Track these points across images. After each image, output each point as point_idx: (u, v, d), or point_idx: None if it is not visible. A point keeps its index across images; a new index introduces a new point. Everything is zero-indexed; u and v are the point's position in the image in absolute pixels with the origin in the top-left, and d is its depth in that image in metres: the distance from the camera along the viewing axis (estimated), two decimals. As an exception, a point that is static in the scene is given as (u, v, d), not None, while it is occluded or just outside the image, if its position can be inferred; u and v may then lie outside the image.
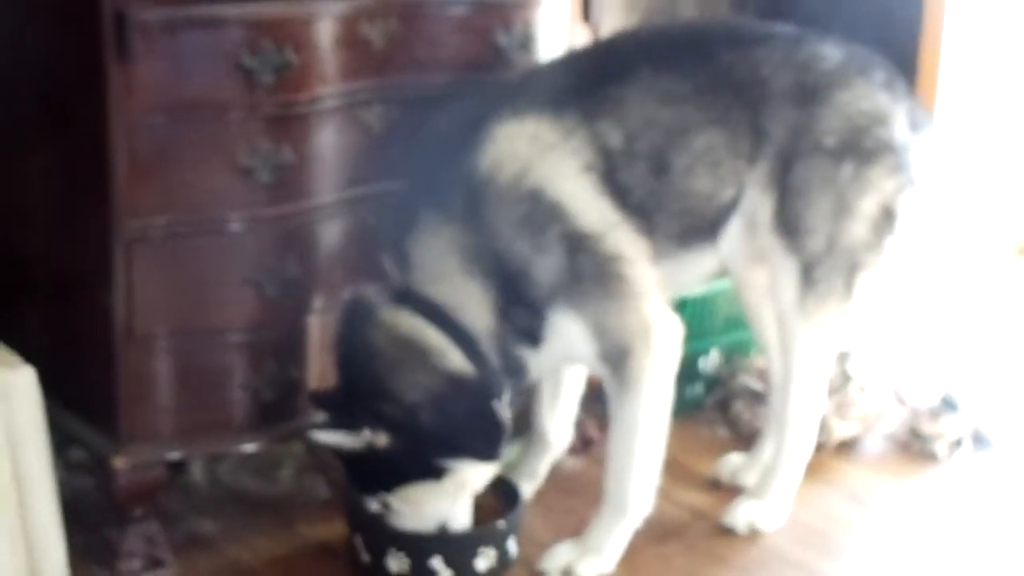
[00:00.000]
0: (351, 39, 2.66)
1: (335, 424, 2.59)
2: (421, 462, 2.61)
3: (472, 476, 2.67)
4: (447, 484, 2.65)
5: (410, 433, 2.57)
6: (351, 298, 2.67)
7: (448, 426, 2.59)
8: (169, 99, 2.51)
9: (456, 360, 2.61)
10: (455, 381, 2.60)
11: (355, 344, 2.63)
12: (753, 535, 2.96)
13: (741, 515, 2.96)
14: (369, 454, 2.57)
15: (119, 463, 2.64)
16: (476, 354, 2.62)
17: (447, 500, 2.68)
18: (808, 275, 2.80)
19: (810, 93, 2.77)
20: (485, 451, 2.64)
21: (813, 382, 2.92)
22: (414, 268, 2.64)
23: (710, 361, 3.53)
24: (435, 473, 2.62)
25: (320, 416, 2.65)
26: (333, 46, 2.63)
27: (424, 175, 2.69)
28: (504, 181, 2.60)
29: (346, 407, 2.60)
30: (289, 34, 2.56)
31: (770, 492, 2.98)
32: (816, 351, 2.88)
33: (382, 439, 2.56)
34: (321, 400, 2.66)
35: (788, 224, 2.79)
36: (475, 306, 2.62)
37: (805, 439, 2.97)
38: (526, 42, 2.88)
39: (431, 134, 2.72)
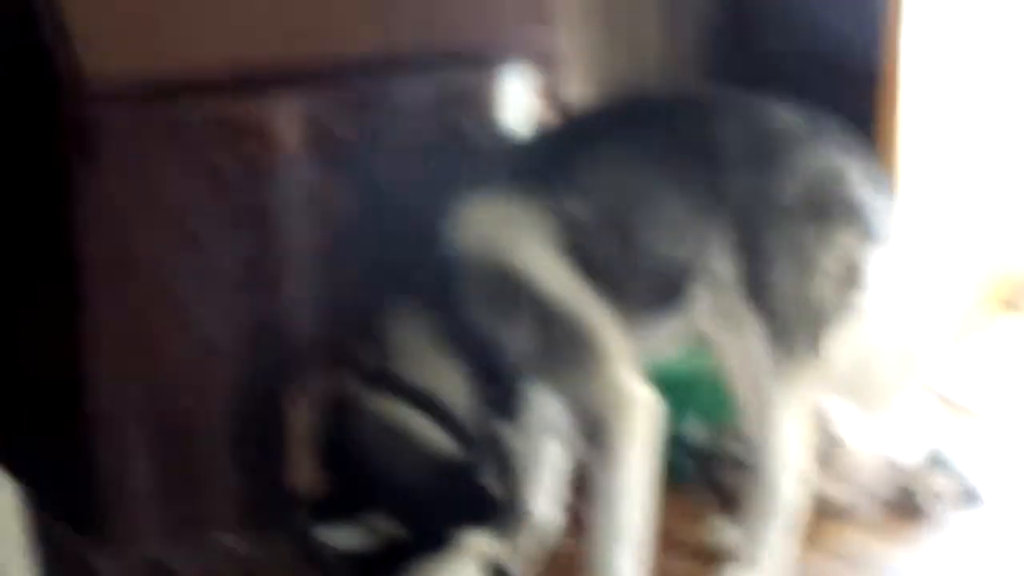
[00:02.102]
0: (316, 131, 2.69)
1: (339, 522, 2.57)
2: (428, 540, 2.60)
3: (475, 547, 2.66)
4: (454, 560, 2.64)
5: (414, 516, 2.57)
6: (329, 390, 2.68)
7: (445, 504, 2.59)
8: (137, 201, 2.54)
9: (443, 444, 2.61)
10: (444, 465, 2.60)
11: (339, 437, 2.63)
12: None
13: None
14: (380, 546, 2.57)
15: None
16: (461, 435, 2.63)
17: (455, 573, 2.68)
18: (777, 336, 2.81)
19: (766, 156, 2.80)
20: (481, 519, 2.64)
21: (792, 443, 2.91)
22: (392, 353, 2.65)
23: (692, 430, 3.52)
24: (442, 547, 2.61)
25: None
26: (298, 139, 2.66)
27: (395, 259, 2.71)
28: (473, 260, 2.62)
29: (346, 505, 2.60)
30: (255, 131, 2.60)
31: (760, 559, 2.97)
32: (792, 411, 2.88)
33: (392, 526, 2.56)
34: (321, 507, 2.66)
35: (753, 286, 2.80)
36: (452, 385, 2.63)
37: (789, 502, 2.96)
38: (489, 125, 2.91)
39: (400, 217, 2.75)
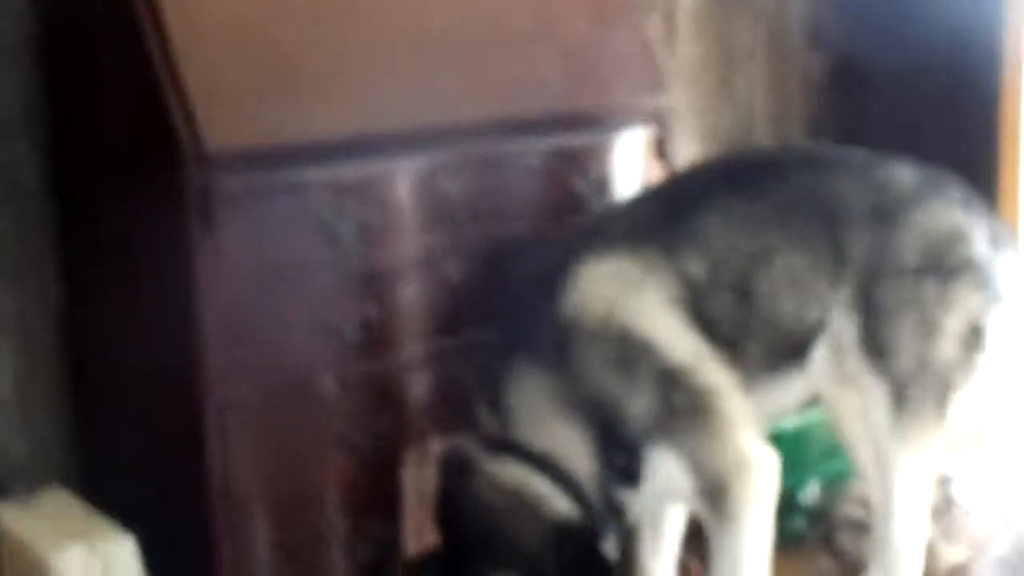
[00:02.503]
0: (430, 193, 2.69)
1: None
2: None
3: None
4: None
5: None
6: (448, 453, 2.67)
7: (564, 568, 2.55)
8: (255, 264, 2.54)
9: (563, 507, 2.59)
10: (565, 528, 2.58)
11: (459, 499, 2.61)
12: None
13: None
14: None
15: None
16: (580, 498, 2.60)
17: None
18: (899, 397, 2.77)
19: (888, 215, 2.77)
20: None
21: (914, 506, 2.86)
22: (510, 416, 2.63)
23: (809, 493, 3.48)
24: None
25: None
26: (413, 202, 2.66)
27: (512, 322, 2.70)
28: (591, 322, 2.59)
29: (459, 567, 2.58)
30: (370, 194, 2.60)
31: None
32: (914, 473, 2.83)
33: None
34: (425, 565, 2.64)
35: (875, 346, 2.77)
36: (574, 450, 2.61)
37: (913, 566, 2.91)
38: (602, 185, 2.90)
39: (516, 280, 2.74)
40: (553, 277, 2.64)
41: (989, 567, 3.29)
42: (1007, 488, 3.43)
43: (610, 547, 2.65)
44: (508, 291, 2.74)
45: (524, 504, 2.57)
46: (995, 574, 3.28)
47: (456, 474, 2.62)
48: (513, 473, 2.59)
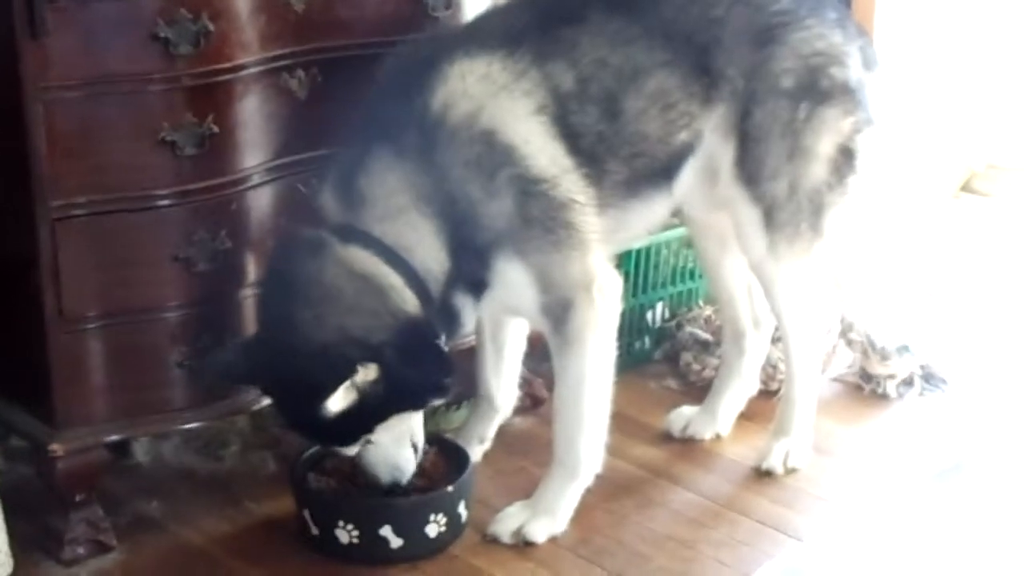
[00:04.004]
0: (270, 4, 2.60)
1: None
2: (404, 396, 2.57)
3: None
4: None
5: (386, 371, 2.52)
6: (297, 232, 2.59)
7: (405, 362, 2.53)
8: (86, 74, 2.45)
9: (411, 301, 2.55)
10: (411, 321, 2.55)
11: (301, 281, 2.52)
12: (710, 487, 2.94)
13: (776, 456, 2.97)
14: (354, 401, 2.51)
15: (56, 448, 2.60)
16: (425, 295, 2.57)
17: (415, 418, 2.67)
18: (772, 221, 2.79)
19: (764, 34, 2.74)
20: (445, 385, 2.61)
21: (803, 320, 2.91)
22: (364, 205, 2.56)
23: (657, 314, 3.51)
24: (416, 405, 2.61)
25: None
26: (251, 12, 2.57)
27: (375, 111, 2.62)
28: (456, 120, 2.54)
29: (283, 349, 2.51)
30: (205, 2, 2.50)
31: (794, 429, 2.99)
32: (796, 292, 2.87)
33: (372, 373, 2.50)
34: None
35: (749, 172, 2.76)
36: (426, 247, 2.57)
37: (812, 372, 2.98)
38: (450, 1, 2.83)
39: (382, 75, 2.65)
40: (423, 72, 2.58)
41: (829, 386, 3.34)
42: (849, 308, 3.47)
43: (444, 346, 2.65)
44: (375, 83, 2.65)
45: (372, 292, 2.53)
46: (835, 393, 3.35)
47: (302, 254, 2.54)
48: (368, 261, 2.54)
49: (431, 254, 2.57)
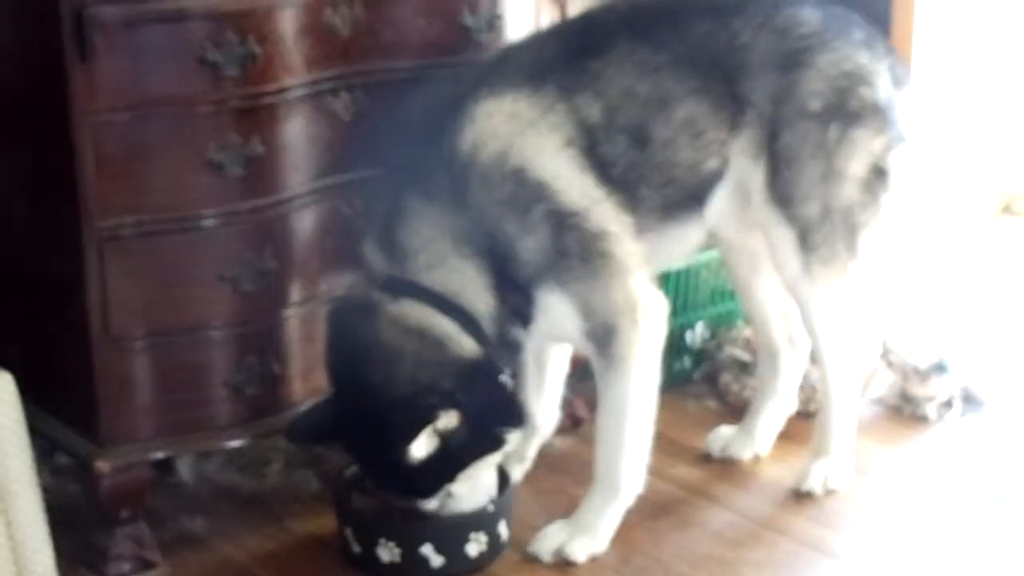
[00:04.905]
0: (315, 27, 2.63)
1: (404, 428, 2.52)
2: (483, 439, 2.61)
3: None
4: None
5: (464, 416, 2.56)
6: (346, 296, 2.65)
7: (475, 406, 2.57)
8: (133, 96, 2.49)
9: (468, 345, 2.59)
10: (473, 365, 2.59)
11: (362, 344, 2.58)
12: (749, 507, 2.95)
13: (815, 477, 2.96)
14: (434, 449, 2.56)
15: (102, 466, 2.63)
16: (481, 337, 2.61)
17: (491, 469, 2.70)
18: (808, 241, 2.79)
19: (791, 58, 2.75)
20: (519, 419, 2.67)
21: (840, 341, 2.91)
22: (407, 257, 2.60)
23: (696, 334, 3.52)
24: (495, 446, 2.63)
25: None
26: (297, 35, 2.60)
27: (405, 160, 2.65)
28: (486, 160, 2.57)
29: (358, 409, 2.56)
30: (252, 25, 2.53)
31: (832, 449, 2.98)
32: (832, 312, 2.87)
33: (453, 420, 2.54)
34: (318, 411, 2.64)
35: (781, 194, 2.77)
36: (473, 289, 2.60)
37: (851, 395, 2.97)
38: (493, 22, 2.85)
39: (408, 117, 2.69)
40: (449, 114, 2.61)
41: (868, 408, 3.34)
42: (889, 329, 3.46)
43: (509, 382, 2.68)
44: (401, 126, 2.69)
45: (431, 344, 2.56)
46: (874, 415, 3.34)
47: (357, 317, 2.59)
48: (416, 314, 2.57)
49: (479, 295, 2.60)
